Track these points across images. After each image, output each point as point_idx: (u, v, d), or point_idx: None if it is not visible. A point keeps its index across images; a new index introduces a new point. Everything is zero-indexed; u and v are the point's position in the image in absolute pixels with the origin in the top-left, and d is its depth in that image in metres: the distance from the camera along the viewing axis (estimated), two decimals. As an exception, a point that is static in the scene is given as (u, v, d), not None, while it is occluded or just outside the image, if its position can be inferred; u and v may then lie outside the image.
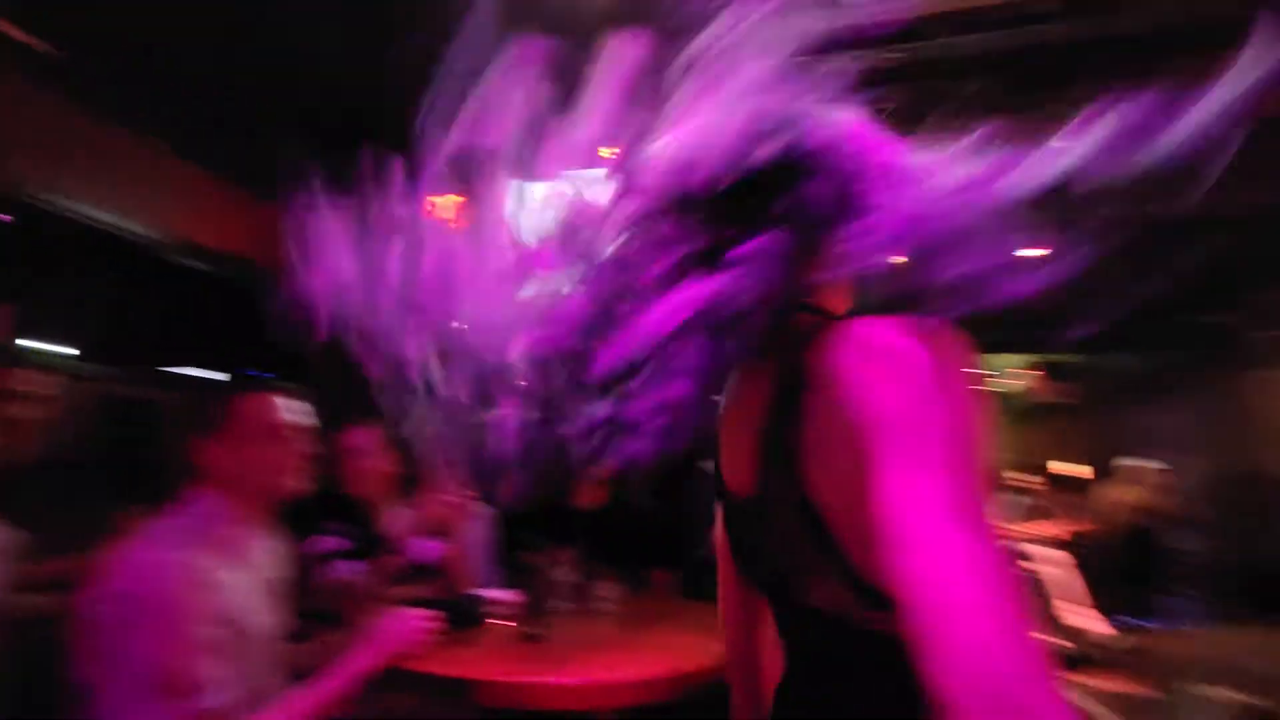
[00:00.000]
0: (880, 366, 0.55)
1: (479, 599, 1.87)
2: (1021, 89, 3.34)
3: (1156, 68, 3.12)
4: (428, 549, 2.16)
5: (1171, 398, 7.26)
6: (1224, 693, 2.87)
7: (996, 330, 7.34)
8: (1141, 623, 4.89)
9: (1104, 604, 5.32)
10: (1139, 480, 5.30)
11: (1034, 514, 5.06)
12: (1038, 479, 5.25)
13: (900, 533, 0.49)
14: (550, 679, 1.26)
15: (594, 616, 1.88)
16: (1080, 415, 9.18)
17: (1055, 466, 7.36)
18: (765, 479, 0.68)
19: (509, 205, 0.85)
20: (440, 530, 2.15)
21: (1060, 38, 2.96)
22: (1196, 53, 2.99)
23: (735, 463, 0.78)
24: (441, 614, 1.63)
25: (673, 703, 2.27)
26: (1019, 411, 11.33)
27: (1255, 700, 2.77)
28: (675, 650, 1.49)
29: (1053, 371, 7.41)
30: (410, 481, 2.34)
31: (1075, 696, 3.38)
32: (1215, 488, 6.38)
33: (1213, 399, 6.51)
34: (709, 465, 2.60)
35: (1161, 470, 5.10)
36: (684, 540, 2.55)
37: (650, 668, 1.33)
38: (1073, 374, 7.58)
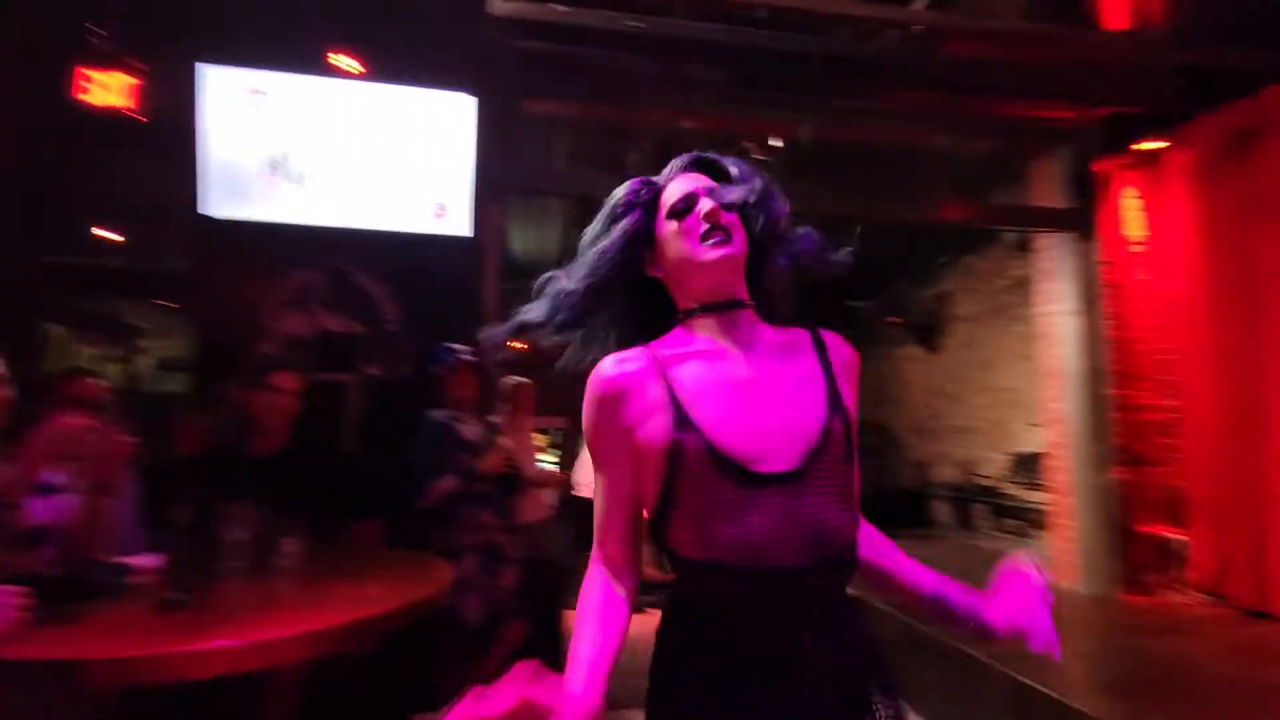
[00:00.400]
0: None
1: (112, 566, 1.54)
2: (740, 84, 3.77)
3: (851, 88, 3.74)
4: (44, 507, 1.72)
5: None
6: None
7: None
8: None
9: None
10: None
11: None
12: None
13: None
14: (185, 647, 1.08)
15: (271, 575, 1.68)
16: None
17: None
18: None
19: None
20: (70, 483, 1.72)
21: (771, 44, 3.38)
22: (880, 82, 3.69)
23: None
24: (51, 588, 1.32)
25: (371, 654, 2.18)
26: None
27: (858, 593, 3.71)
28: (357, 600, 1.41)
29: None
30: (23, 420, 1.80)
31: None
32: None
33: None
34: (440, 415, 2.52)
35: None
36: (403, 489, 2.45)
37: (318, 620, 1.23)
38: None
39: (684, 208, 0.89)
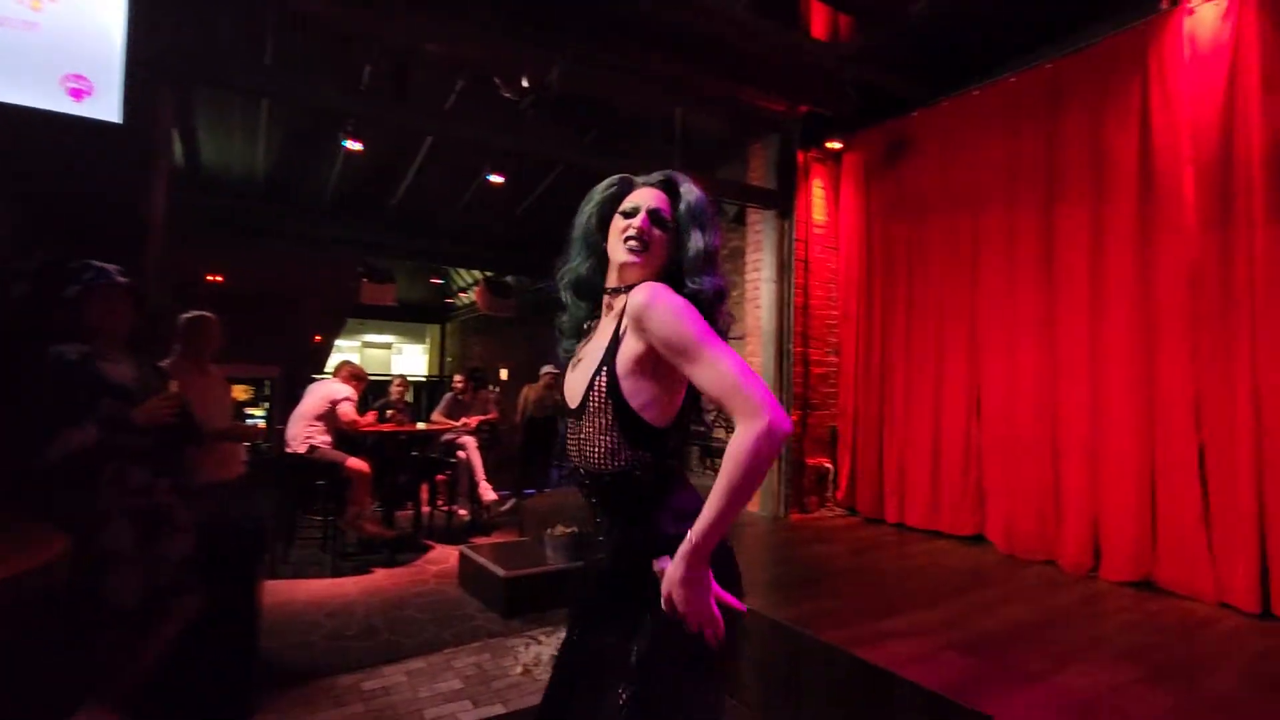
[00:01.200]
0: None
1: None
2: (491, 14, 3.55)
3: (596, 40, 3.72)
4: None
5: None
6: (561, 528, 3.95)
7: (456, 248, 7.89)
8: (527, 491, 6.27)
9: (509, 479, 6.57)
10: (539, 380, 6.67)
11: (458, 409, 5.80)
12: (460, 379, 6.01)
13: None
14: None
15: None
16: (518, 328, 11.02)
17: (500, 370, 8.55)
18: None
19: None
20: None
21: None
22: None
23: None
24: None
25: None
26: (474, 323, 12.71)
27: (574, 528, 3.95)
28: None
29: (492, 287, 8.48)
30: None
31: (469, 551, 4.07)
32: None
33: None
34: (71, 350, 1.94)
35: (551, 372, 6.56)
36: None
37: None
38: (511, 293, 8.82)
39: (631, 211, 1.19)
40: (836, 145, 4.82)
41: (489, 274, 8.79)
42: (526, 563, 3.77)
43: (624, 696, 1.03)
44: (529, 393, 6.53)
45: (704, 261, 1.16)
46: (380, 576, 4.19)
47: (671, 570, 1.00)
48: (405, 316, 13.20)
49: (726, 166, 5.51)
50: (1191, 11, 3.05)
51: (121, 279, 2.08)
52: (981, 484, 3.87)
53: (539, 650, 3.00)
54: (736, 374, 1.00)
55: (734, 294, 6.41)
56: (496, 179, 5.00)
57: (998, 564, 3.48)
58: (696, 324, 1.04)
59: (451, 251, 7.92)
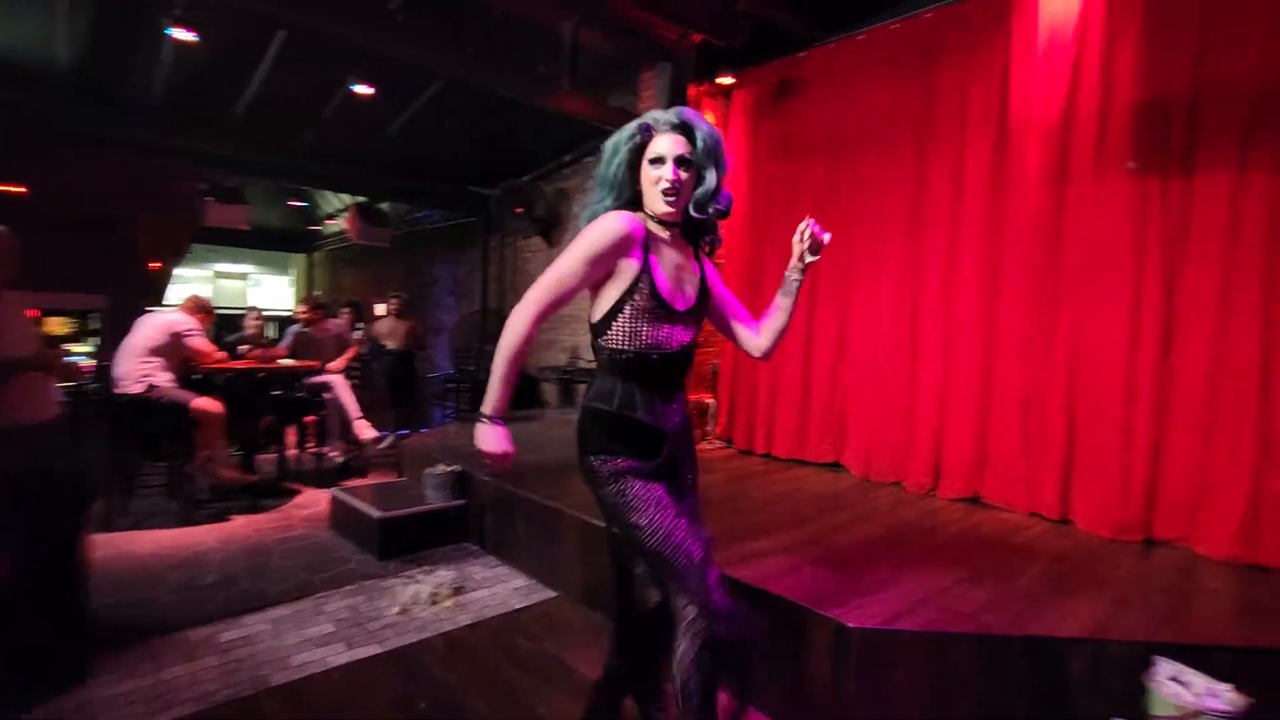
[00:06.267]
0: None
1: None
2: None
3: None
4: None
5: (455, 251, 8.89)
6: (442, 467, 3.84)
7: (319, 167, 7.12)
8: (402, 431, 6.01)
9: (383, 419, 6.25)
10: (406, 315, 6.32)
11: (307, 346, 5.29)
12: (303, 308, 5.50)
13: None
14: None
15: None
16: (392, 259, 10.29)
17: (376, 305, 7.96)
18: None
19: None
20: None
21: None
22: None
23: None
24: None
25: None
26: (346, 253, 11.71)
27: (457, 466, 3.85)
28: None
29: (364, 214, 7.79)
30: None
31: (340, 494, 3.86)
32: (467, 320, 8.32)
33: (475, 254, 8.32)
34: None
35: (399, 296, 6.25)
36: None
37: None
38: (385, 221, 8.15)
39: (658, 159, 1.49)
40: (728, 80, 4.77)
41: (360, 199, 8.05)
42: (403, 503, 3.64)
43: (693, 487, 1.70)
44: (380, 326, 6.20)
45: (716, 193, 1.52)
46: (240, 524, 3.89)
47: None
48: (264, 244, 11.92)
49: (617, 93, 5.31)
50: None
51: None
52: (844, 416, 4.18)
53: (417, 589, 2.94)
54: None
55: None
56: (364, 89, 4.49)
57: (853, 487, 3.81)
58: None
59: (313, 172, 7.13)
